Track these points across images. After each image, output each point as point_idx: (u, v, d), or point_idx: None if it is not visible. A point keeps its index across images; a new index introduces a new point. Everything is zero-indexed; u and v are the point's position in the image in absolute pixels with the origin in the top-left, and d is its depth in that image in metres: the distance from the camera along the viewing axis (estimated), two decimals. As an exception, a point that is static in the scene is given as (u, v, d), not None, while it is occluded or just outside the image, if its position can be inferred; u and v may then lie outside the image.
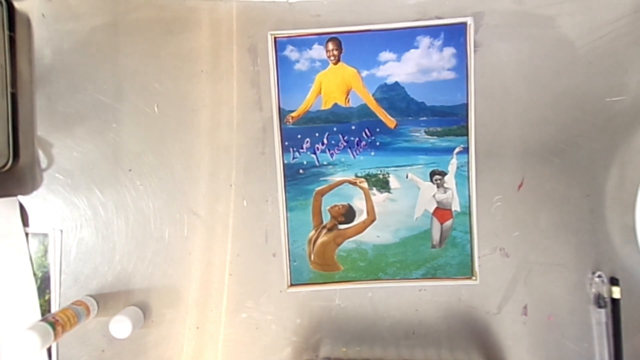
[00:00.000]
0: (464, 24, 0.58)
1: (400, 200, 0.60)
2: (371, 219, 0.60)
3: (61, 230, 0.60)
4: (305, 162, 0.60)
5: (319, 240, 0.60)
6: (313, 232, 0.60)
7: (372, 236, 0.60)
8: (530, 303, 0.59)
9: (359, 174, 0.60)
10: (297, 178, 0.60)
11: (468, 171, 0.59)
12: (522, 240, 0.59)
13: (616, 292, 0.57)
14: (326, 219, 0.60)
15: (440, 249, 0.60)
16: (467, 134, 0.59)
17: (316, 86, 0.59)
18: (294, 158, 0.60)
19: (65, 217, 0.60)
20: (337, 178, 0.60)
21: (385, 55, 0.58)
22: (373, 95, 0.59)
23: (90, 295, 0.60)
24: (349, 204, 0.60)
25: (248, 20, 0.59)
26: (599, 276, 0.58)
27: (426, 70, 0.59)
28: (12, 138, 0.58)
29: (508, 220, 0.59)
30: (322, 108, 0.60)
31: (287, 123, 0.60)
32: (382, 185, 0.60)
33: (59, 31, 0.60)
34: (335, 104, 0.59)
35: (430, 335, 0.60)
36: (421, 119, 0.59)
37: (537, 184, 0.59)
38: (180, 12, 0.60)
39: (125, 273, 0.60)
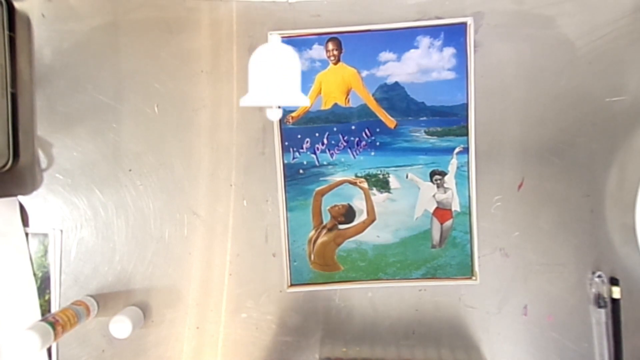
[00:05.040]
0: (464, 24, 0.58)
1: (400, 200, 0.60)
2: (371, 219, 0.60)
3: (61, 230, 0.60)
4: (305, 162, 0.60)
5: (319, 240, 0.60)
6: (313, 232, 0.60)
7: (372, 236, 0.60)
8: (530, 303, 0.59)
9: (359, 174, 0.60)
10: (297, 178, 0.60)
11: (468, 171, 0.59)
12: (522, 240, 0.59)
13: (616, 292, 0.57)
14: (326, 219, 0.60)
15: (440, 249, 0.60)
16: (467, 134, 0.59)
17: (316, 86, 0.59)
18: (294, 158, 0.60)
19: (65, 217, 0.60)
20: (337, 178, 0.60)
21: (385, 55, 0.58)
22: (373, 95, 0.59)
23: (90, 295, 0.60)
24: (349, 204, 0.60)
25: (248, 20, 0.59)
26: (599, 276, 0.58)
27: (426, 70, 0.59)
28: (12, 138, 0.58)
29: (508, 220, 0.59)
30: (322, 108, 0.60)
31: (287, 123, 0.60)
32: (382, 185, 0.60)
33: (59, 31, 0.60)
34: (335, 104, 0.59)
35: (430, 335, 0.60)
36: (421, 119, 0.59)
37: (537, 184, 0.59)
38: (180, 12, 0.60)
39: (125, 273, 0.60)
